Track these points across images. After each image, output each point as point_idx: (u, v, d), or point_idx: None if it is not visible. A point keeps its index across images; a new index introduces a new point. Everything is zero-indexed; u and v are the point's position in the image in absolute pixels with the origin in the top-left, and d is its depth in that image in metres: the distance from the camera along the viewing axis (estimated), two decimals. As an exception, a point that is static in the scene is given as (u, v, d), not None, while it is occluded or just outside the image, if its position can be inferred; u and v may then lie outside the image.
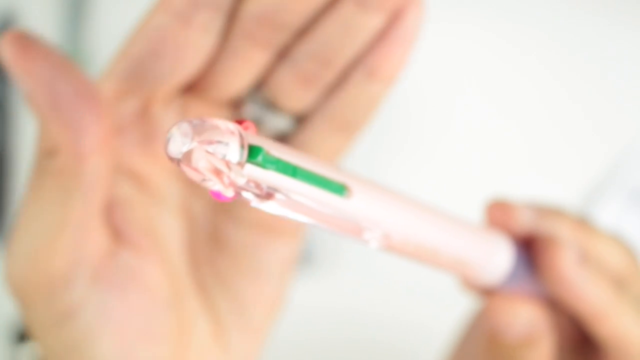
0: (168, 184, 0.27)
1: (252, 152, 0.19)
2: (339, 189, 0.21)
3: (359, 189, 0.21)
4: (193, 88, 0.27)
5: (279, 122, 0.27)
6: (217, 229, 0.28)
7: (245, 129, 0.19)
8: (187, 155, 0.18)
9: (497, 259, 0.28)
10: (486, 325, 0.30)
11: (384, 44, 0.25)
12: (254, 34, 0.25)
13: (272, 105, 0.27)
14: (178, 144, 0.18)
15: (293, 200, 0.20)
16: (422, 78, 0.60)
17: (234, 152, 0.18)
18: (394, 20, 0.25)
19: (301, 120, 0.27)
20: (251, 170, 0.19)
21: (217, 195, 0.19)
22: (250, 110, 0.27)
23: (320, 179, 0.20)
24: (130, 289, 0.25)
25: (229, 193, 0.19)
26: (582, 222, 0.31)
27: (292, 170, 0.20)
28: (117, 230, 0.26)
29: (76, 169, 0.24)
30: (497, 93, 0.60)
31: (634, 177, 0.57)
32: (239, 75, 0.26)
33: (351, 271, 0.59)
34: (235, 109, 0.27)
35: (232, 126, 0.19)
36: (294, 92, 0.26)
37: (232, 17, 0.25)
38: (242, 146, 0.18)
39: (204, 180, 0.18)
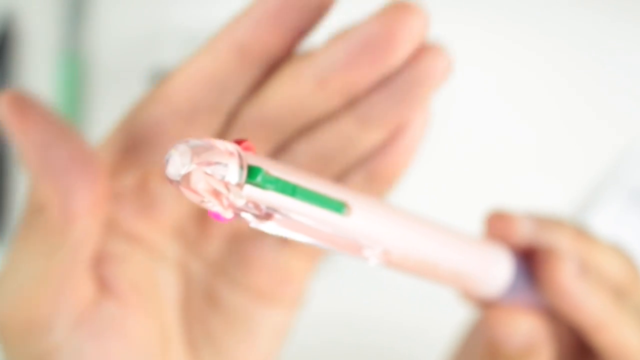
0: (166, 243, 0.27)
1: (251, 173, 0.19)
2: (339, 206, 0.21)
3: (359, 206, 0.21)
4: None
5: None
6: (213, 290, 0.28)
7: (245, 149, 0.19)
8: (186, 178, 0.18)
9: (497, 271, 0.28)
10: (486, 335, 0.30)
11: (386, 152, 0.25)
12: (253, 133, 0.25)
13: None
14: (177, 165, 0.18)
15: (292, 220, 0.20)
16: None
17: (233, 173, 0.18)
18: (397, 130, 0.25)
19: None
20: (250, 191, 0.19)
21: (216, 216, 0.19)
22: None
23: (320, 197, 0.20)
24: (110, 338, 0.25)
25: (228, 214, 0.19)
26: (582, 233, 0.30)
27: (291, 190, 0.20)
28: (104, 283, 0.26)
29: (64, 228, 0.24)
30: (496, 95, 0.60)
31: (634, 177, 0.57)
32: None
33: (350, 275, 0.59)
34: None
35: (231, 147, 0.18)
36: None
37: (232, 116, 0.25)
38: (241, 167, 0.18)
39: (202, 201, 0.18)
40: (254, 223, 0.20)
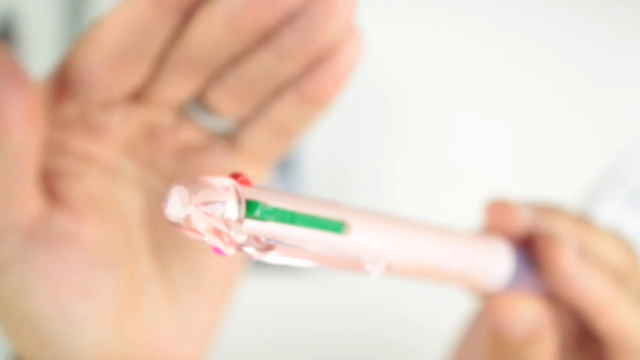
0: (120, 161, 0.28)
1: (250, 207, 0.19)
2: (338, 226, 0.21)
3: (357, 222, 0.22)
4: (135, 96, 0.28)
5: (221, 125, 0.29)
6: None
7: (241, 183, 0.19)
8: (187, 219, 0.18)
9: (498, 265, 0.28)
10: (489, 324, 0.30)
11: (314, 74, 0.27)
12: (180, 72, 0.27)
13: (213, 111, 0.28)
14: (176, 208, 0.18)
15: (293, 247, 0.20)
16: (421, 81, 0.60)
17: (231, 210, 0.19)
18: (328, 52, 0.26)
19: (241, 123, 0.29)
20: (250, 225, 0.19)
21: (218, 251, 0.19)
22: (194, 114, 0.29)
23: (319, 220, 0.21)
24: (65, 249, 0.26)
25: (230, 251, 0.19)
26: (581, 219, 0.31)
27: (290, 217, 0.20)
28: (57, 197, 0.27)
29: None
30: (496, 94, 0.60)
31: (634, 177, 0.57)
32: (177, 90, 0.28)
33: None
34: (179, 112, 0.29)
35: (227, 182, 0.19)
36: (228, 106, 0.28)
37: (160, 60, 0.27)
38: (239, 202, 0.19)
39: (204, 240, 0.19)
40: (257, 256, 0.20)
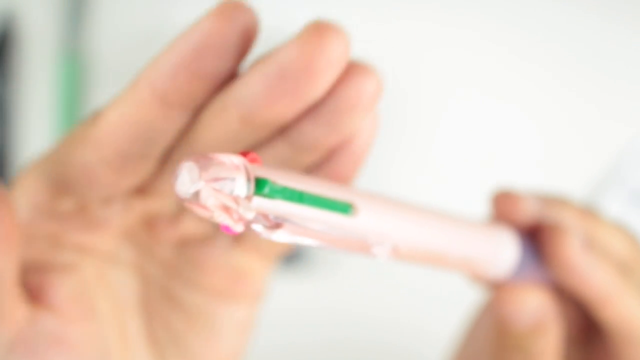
0: (119, 248, 0.27)
1: (259, 185, 0.19)
2: (345, 207, 0.21)
3: (364, 205, 0.22)
4: (137, 190, 0.26)
5: None
6: (171, 290, 0.28)
7: (251, 161, 0.19)
8: (196, 195, 0.18)
9: (503, 253, 0.28)
10: (494, 316, 0.30)
11: (333, 160, 0.24)
12: None
13: None
14: (186, 184, 0.18)
15: (301, 226, 0.20)
16: (424, 76, 0.60)
17: (240, 186, 0.19)
18: (343, 142, 0.24)
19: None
20: (259, 202, 0.19)
21: (226, 229, 0.19)
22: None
23: (326, 200, 0.20)
24: (48, 353, 0.25)
25: (239, 228, 0.19)
26: (587, 211, 0.31)
27: (298, 196, 0.20)
28: (42, 299, 0.25)
29: None
30: (498, 91, 0.60)
31: (634, 177, 0.57)
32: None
33: (351, 272, 0.59)
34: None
35: (237, 160, 0.19)
36: None
37: (164, 159, 0.25)
38: (248, 180, 0.19)
39: (212, 217, 0.19)
40: (265, 234, 0.20)
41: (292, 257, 0.58)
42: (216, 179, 0.18)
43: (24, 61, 0.60)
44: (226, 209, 0.19)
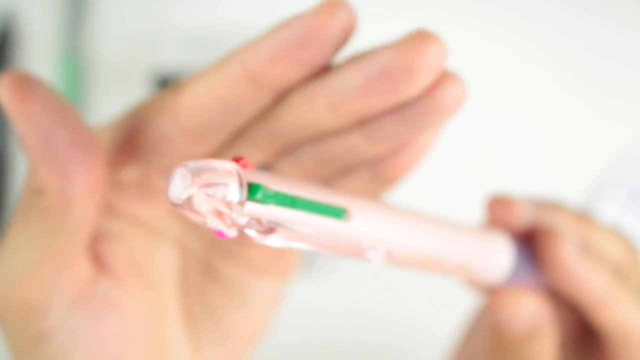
0: (166, 224, 0.28)
1: (252, 190, 0.19)
2: (338, 212, 0.21)
3: (358, 210, 0.22)
4: None
5: None
6: (210, 264, 0.28)
7: (243, 167, 0.19)
8: (188, 200, 0.19)
9: (498, 258, 0.28)
10: (490, 321, 0.30)
11: (393, 158, 0.25)
12: (258, 145, 0.25)
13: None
14: (178, 189, 0.19)
15: (294, 231, 0.20)
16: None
17: (233, 192, 0.19)
18: (407, 141, 0.25)
19: None
20: (252, 207, 0.19)
21: (219, 234, 0.19)
22: None
23: (319, 205, 0.21)
24: (106, 317, 0.26)
25: (232, 233, 0.19)
26: (582, 216, 0.31)
27: (291, 201, 0.20)
28: (101, 262, 0.26)
29: (62, 211, 0.24)
30: (497, 92, 0.60)
31: (634, 177, 0.57)
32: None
33: (350, 273, 0.59)
34: None
35: (230, 166, 0.19)
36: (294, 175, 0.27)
37: (239, 133, 0.25)
38: (241, 185, 0.19)
39: (205, 222, 0.19)
40: (258, 238, 0.20)
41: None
42: (209, 185, 0.18)
43: (24, 61, 0.60)
44: (219, 214, 0.19)
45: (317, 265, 0.59)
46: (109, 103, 0.60)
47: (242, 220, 0.19)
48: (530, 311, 0.29)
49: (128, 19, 0.60)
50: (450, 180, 0.59)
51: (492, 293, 0.30)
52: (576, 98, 0.59)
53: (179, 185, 0.19)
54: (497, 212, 0.30)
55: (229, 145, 0.26)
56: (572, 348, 0.32)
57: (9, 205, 0.60)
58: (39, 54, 0.60)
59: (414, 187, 0.58)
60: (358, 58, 0.23)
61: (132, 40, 0.60)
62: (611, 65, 0.59)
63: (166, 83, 0.57)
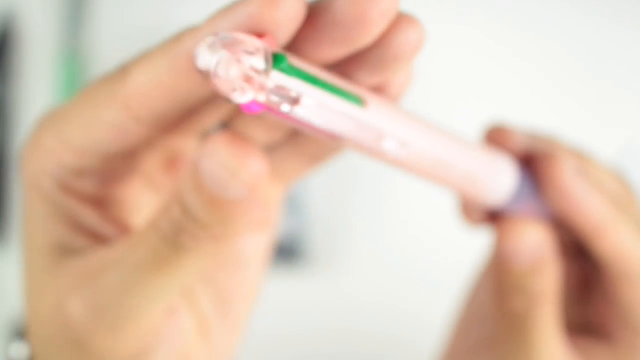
0: (142, 196, 0.27)
1: (277, 60, 0.19)
2: (357, 99, 0.22)
3: (375, 101, 0.22)
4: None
5: None
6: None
7: (269, 43, 0.20)
8: (218, 66, 0.19)
9: (503, 177, 0.28)
10: (494, 256, 0.30)
11: None
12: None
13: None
14: (207, 56, 0.19)
15: (318, 106, 0.21)
16: (422, 75, 0.60)
17: (259, 61, 0.19)
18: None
19: (271, 148, 0.27)
20: (277, 76, 0.20)
21: (247, 107, 0.20)
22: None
23: (339, 89, 0.21)
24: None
25: (261, 97, 0.19)
26: (578, 150, 0.31)
27: (313, 80, 0.20)
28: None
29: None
30: (495, 92, 0.60)
31: (634, 177, 0.57)
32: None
33: (350, 269, 0.59)
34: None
35: (256, 40, 0.19)
36: (261, 135, 0.27)
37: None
38: (267, 56, 0.19)
39: (234, 89, 0.19)
40: (285, 107, 0.20)
41: (291, 254, 0.58)
42: (237, 52, 0.19)
43: (24, 61, 0.60)
44: (248, 78, 0.19)
45: (316, 261, 0.59)
46: (109, 103, 0.60)
47: (270, 84, 0.19)
48: (534, 243, 0.29)
49: (128, 19, 0.60)
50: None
51: (495, 219, 0.30)
52: (574, 99, 0.59)
53: (207, 53, 0.19)
54: (496, 139, 0.30)
55: (189, 118, 0.25)
56: (575, 300, 0.32)
57: (9, 206, 0.60)
58: (39, 54, 0.60)
59: (413, 189, 0.58)
60: (313, 8, 0.23)
61: (132, 40, 0.60)
62: (610, 65, 0.59)
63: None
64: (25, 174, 0.26)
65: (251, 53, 0.19)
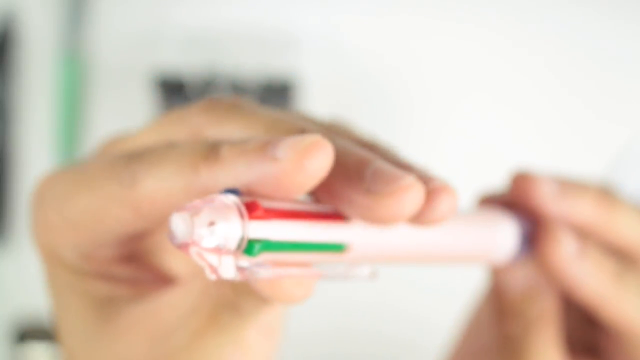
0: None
1: (249, 246, 0.19)
2: (339, 247, 0.21)
3: (358, 242, 0.22)
4: None
5: None
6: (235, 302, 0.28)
7: (251, 210, 0.19)
8: (190, 244, 0.19)
9: (502, 243, 0.28)
10: (494, 291, 0.31)
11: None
12: None
13: None
14: (180, 233, 0.19)
15: (289, 268, 0.21)
16: (423, 76, 0.60)
17: (231, 242, 0.19)
18: None
19: None
20: (246, 261, 0.19)
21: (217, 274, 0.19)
22: None
23: (320, 245, 0.21)
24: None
25: (229, 274, 0.19)
26: (605, 196, 0.31)
27: (292, 247, 0.20)
28: None
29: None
30: (496, 93, 0.60)
31: (634, 177, 0.57)
32: None
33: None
34: None
35: (233, 221, 0.19)
36: None
37: None
38: (240, 242, 0.19)
39: (207, 264, 0.19)
40: (257, 274, 0.20)
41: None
42: (207, 238, 0.19)
43: (24, 61, 0.60)
44: (217, 250, 0.19)
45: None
46: (109, 103, 0.60)
47: (230, 273, 0.19)
48: (523, 273, 0.30)
49: (128, 19, 0.60)
50: (449, 180, 0.58)
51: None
52: (575, 98, 0.59)
53: (181, 230, 0.19)
54: (520, 188, 0.30)
55: None
56: (582, 317, 0.32)
57: (9, 206, 0.60)
58: (39, 54, 0.60)
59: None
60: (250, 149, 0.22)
61: (132, 41, 0.60)
62: (610, 65, 0.59)
63: (166, 83, 0.57)
64: (39, 247, 0.26)
65: (225, 238, 0.19)
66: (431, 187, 0.22)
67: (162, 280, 0.26)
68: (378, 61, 0.59)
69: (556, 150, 0.59)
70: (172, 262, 0.27)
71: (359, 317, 0.58)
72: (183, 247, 0.19)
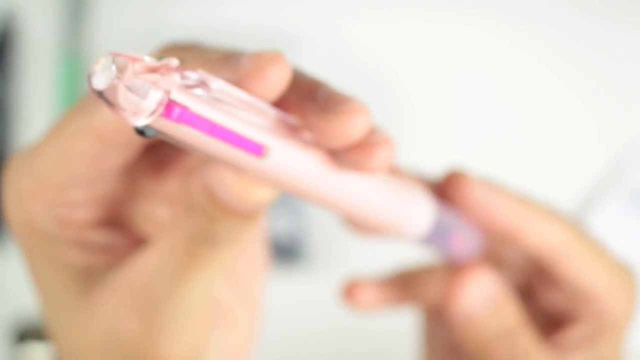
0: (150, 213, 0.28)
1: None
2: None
3: (279, 149, 0.22)
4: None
5: None
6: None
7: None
8: (108, 91, 0.18)
9: (415, 218, 0.28)
10: (450, 330, 0.31)
11: None
12: None
13: None
14: (101, 79, 0.18)
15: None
16: (422, 76, 0.60)
17: (151, 103, 0.18)
18: None
19: None
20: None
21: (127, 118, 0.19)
22: None
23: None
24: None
25: (140, 122, 0.18)
26: (525, 198, 0.32)
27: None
28: None
29: None
30: (497, 93, 0.60)
31: (634, 177, 0.57)
32: None
33: (348, 267, 0.59)
34: None
35: (155, 77, 0.18)
36: None
37: None
38: (161, 102, 0.18)
39: (119, 113, 0.18)
40: (198, 91, 0.19)
41: (290, 254, 0.58)
42: (131, 85, 0.18)
43: (24, 61, 0.60)
44: (153, 69, 0.18)
45: (315, 262, 0.59)
46: (109, 103, 0.60)
47: (144, 121, 0.18)
48: (479, 289, 0.30)
49: (128, 19, 0.60)
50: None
51: (443, 295, 0.31)
52: (575, 98, 0.59)
53: (102, 76, 0.18)
54: (452, 185, 0.31)
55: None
56: (532, 298, 0.33)
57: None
58: (39, 54, 0.60)
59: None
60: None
61: (132, 40, 0.60)
62: (610, 65, 0.59)
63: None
64: (14, 222, 0.26)
65: (145, 93, 0.18)
66: (376, 137, 0.23)
67: (136, 243, 0.26)
68: (378, 61, 0.59)
69: (556, 150, 0.59)
70: (146, 221, 0.27)
71: (355, 316, 0.58)
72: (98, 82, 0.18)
